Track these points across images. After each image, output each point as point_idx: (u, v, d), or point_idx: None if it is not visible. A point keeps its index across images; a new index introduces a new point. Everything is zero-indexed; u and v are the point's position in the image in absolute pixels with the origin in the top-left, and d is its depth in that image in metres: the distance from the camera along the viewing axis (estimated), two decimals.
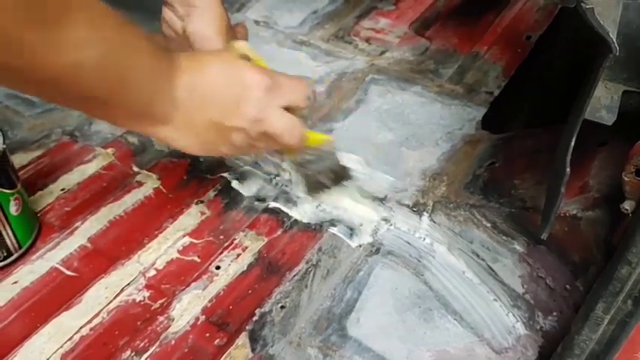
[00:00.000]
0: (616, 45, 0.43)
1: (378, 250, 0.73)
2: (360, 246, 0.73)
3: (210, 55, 0.67)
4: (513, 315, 0.67)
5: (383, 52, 0.97)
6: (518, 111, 0.86)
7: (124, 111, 0.54)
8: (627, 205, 0.47)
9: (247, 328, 0.64)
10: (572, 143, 0.50)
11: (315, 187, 0.74)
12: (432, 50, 0.98)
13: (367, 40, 1.00)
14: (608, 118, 0.49)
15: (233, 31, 0.90)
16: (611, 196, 0.56)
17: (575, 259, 0.59)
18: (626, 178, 0.47)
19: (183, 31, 0.85)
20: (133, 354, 0.61)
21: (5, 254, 0.67)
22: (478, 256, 0.69)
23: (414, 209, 0.74)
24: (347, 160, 0.75)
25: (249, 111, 0.60)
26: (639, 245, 0.46)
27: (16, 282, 0.66)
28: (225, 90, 0.60)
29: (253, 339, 0.63)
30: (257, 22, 1.01)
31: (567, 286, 0.60)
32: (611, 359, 0.56)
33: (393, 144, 0.80)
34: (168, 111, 0.57)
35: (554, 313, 0.63)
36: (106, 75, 0.49)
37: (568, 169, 0.48)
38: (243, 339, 0.63)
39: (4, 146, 0.64)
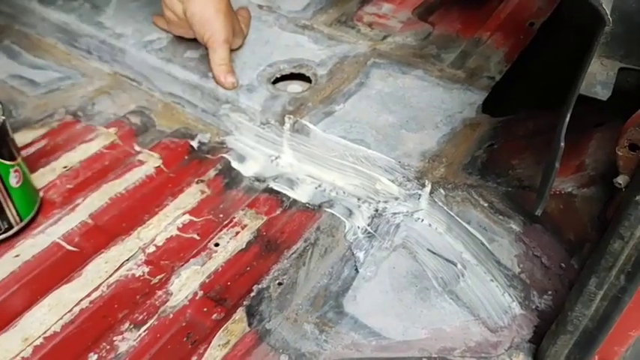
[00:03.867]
0: (609, 18, 0.43)
1: (375, 231, 0.73)
2: (359, 227, 0.74)
3: None
4: (509, 295, 0.67)
5: (385, 37, 0.97)
6: (519, 95, 0.86)
7: None
8: (620, 180, 0.48)
9: (245, 303, 0.64)
10: (568, 118, 0.50)
11: None
12: (434, 35, 0.98)
13: (370, 25, 1.00)
14: (602, 93, 0.49)
15: (235, 14, 0.90)
16: (607, 174, 0.56)
17: (570, 236, 0.59)
18: (619, 153, 0.47)
19: (183, 13, 0.86)
20: (132, 326, 0.62)
21: (6, 226, 0.68)
22: (475, 236, 0.70)
23: (413, 190, 0.74)
24: None
25: None
26: (631, 219, 0.46)
27: (17, 255, 0.67)
28: None
29: (250, 314, 0.64)
30: (260, 7, 1.01)
31: (562, 265, 0.60)
32: (604, 336, 0.56)
33: (393, 126, 0.80)
34: None
35: (550, 292, 0.63)
36: None
37: (562, 144, 0.49)
38: (240, 314, 0.63)
39: (4, 117, 0.65)
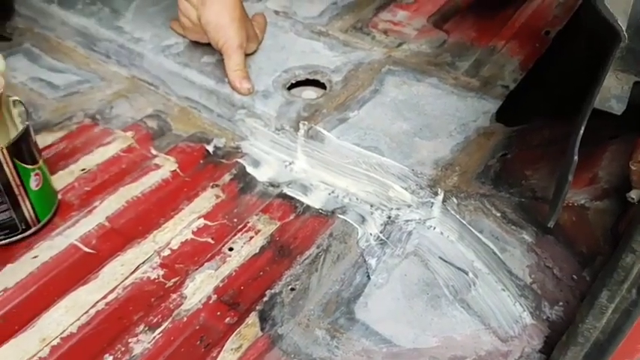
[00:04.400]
0: (624, 33, 0.43)
1: (388, 238, 0.74)
2: (371, 234, 0.75)
3: None
4: (520, 304, 0.67)
5: (400, 44, 0.97)
6: (533, 103, 0.86)
7: None
8: (633, 194, 0.48)
9: (257, 308, 0.65)
10: (581, 132, 0.50)
11: None
12: (449, 43, 0.98)
13: (385, 32, 1.00)
14: (617, 107, 0.49)
15: (249, 19, 0.91)
16: (620, 187, 0.56)
17: (583, 249, 0.59)
18: (633, 167, 0.48)
19: (198, 19, 0.87)
20: (147, 328, 0.63)
21: (24, 227, 0.69)
22: (487, 245, 0.70)
23: (425, 198, 0.75)
24: None
25: None
26: None
27: (36, 257, 0.69)
28: None
29: (263, 319, 0.65)
30: (276, 12, 1.02)
31: (574, 276, 0.60)
32: (614, 349, 0.57)
33: (407, 134, 0.81)
34: None
35: (561, 303, 0.63)
36: None
37: (576, 157, 0.49)
38: (253, 318, 0.64)
39: (28, 123, 0.67)
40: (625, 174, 0.54)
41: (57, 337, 0.61)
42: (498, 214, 0.67)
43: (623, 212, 0.53)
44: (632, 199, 0.48)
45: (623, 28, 0.44)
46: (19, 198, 0.67)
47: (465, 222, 0.72)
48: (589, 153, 0.63)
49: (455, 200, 0.72)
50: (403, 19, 1.03)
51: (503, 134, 0.79)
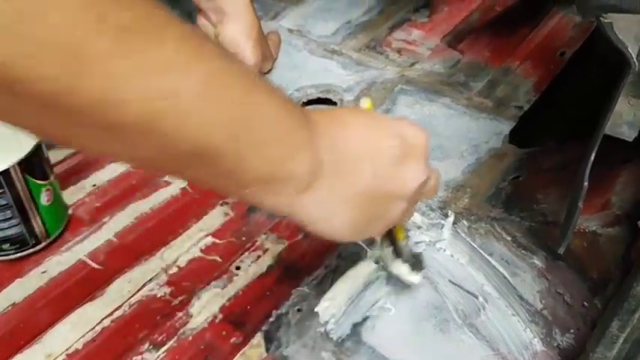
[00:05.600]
0: (635, 60, 0.43)
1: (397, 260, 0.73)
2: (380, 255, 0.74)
3: (345, 109, 0.61)
4: (531, 330, 0.66)
5: (413, 64, 0.97)
6: (547, 126, 0.85)
7: (242, 172, 0.38)
8: None
9: (263, 328, 0.65)
10: (592, 158, 0.50)
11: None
12: (462, 63, 0.98)
13: (399, 51, 1.00)
14: (629, 134, 0.49)
15: (265, 38, 0.92)
16: (633, 214, 0.55)
17: (594, 275, 0.58)
18: None
19: (215, 37, 0.88)
20: (151, 347, 0.63)
21: (34, 242, 0.70)
22: (497, 269, 0.69)
23: (436, 220, 0.74)
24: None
25: (417, 174, 0.47)
26: None
27: (44, 272, 0.69)
28: (378, 145, 0.45)
29: (268, 339, 0.64)
30: (290, 31, 1.03)
31: (585, 303, 0.59)
32: None
33: None
34: (308, 173, 0.41)
35: (572, 330, 0.62)
36: (216, 115, 0.34)
37: (586, 183, 0.48)
38: (258, 339, 0.64)
39: (39, 139, 0.67)
40: (638, 200, 0.53)
41: (62, 353, 0.61)
42: (509, 238, 0.66)
43: (634, 239, 0.52)
44: None
45: (634, 55, 0.43)
46: (30, 213, 0.68)
47: (475, 245, 0.71)
48: (602, 177, 0.62)
49: (465, 223, 0.72)
50: (417, 38, 1.03)
51: (515, 156, 0.78)
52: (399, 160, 0.45)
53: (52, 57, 0.26)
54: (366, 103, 0.56)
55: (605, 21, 0.43)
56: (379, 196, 0.45)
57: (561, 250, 0.52)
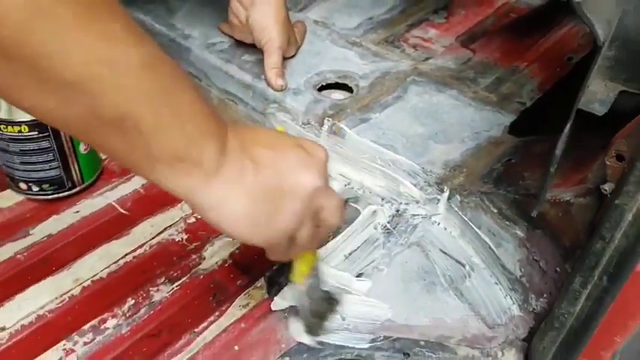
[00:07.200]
0: (601, 38, 0.49)
1: (394, 228, 0.80)
2: (379, 223, 0.81)
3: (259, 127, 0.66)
4: (511, 298, 0.72)
5: (427, 59, 1.04)
6: (545, 120, 0.91)
7: (157, 143, 0.41)
8: (607, 187, 0.53)
9: (267, 274, 0.72)
10: (567, 130, 0.56)
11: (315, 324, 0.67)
12: (473, 61, 1.05)
13: (414, 46, 1.07)
14: (599, 109, 0.55)
15: (292, 26, 1.00)
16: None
17: (566, 242, 0.64)
18: (608, 162, 0.53)
19: (246, 19, 0.96)
20: (167, 280, 0.70)
21: (70, 185, 0.78)
22: (485, 241, 0.75)
23: (432, 195, 0.80)
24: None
25: (314, 178, 0.50)
26: (612, 221, 0.51)
27: (77, 211, 0.78)
28: (282, 151, 0.50)
29: (270, 283, 0.71)
30: (316, 22, 1.11)
31: (557, 269, 0.65)
32: (589, 336, 0.61)
33: (422, 136, 0.87)
34: (215, 159, 0.45)
35: (545, 295, 0.68)
36: (144, 89, 0.40)
37: (558, 151, 0.54)
38: (261, 282, 0.71)
39: None
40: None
41: (88, 279, 0.69)
42: (495, 211, 0.73)
43: (600, 205, 0.58)
44: (606, 190, 0.53)
45: (602, 34, 0.50)
46: (69, 159, 0.76)
47: (466, 218, 0.77)
48: (581, 160, 0.68)
49: (458, 197, 0.78)
50: (433, 36, 1.10)
51: (512, 143, 0.85)
52: (299, 166, 0.49)
53: (15, 11, 0.32)
54: (278, 128, 0.61)
55: (576, 1, 0.49)
56: (276, 193, 0.48)
57: (534, 214, 0.58)
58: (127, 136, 0.40)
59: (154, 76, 0.40)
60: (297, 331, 0.66)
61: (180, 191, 0.45)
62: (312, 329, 0.66)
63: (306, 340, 0.66)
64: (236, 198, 0.46)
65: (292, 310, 0.68)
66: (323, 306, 0.66)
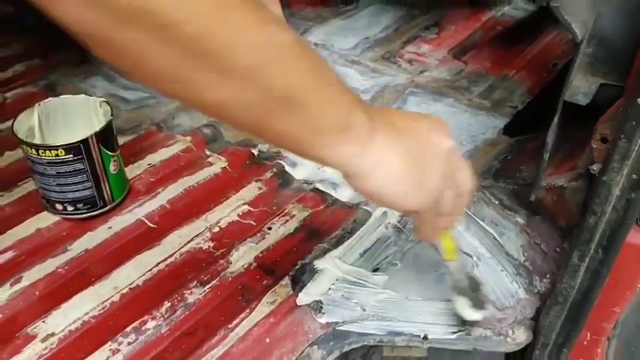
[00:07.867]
0: (578, 35, 0.56)
1: (404, 226, 0.86)
2: (389, 222, 0.87)
3: None
4: (516, 282, 0.78)
5: (422, 72, 1.12)
6: (536, 121, 0.98)
7: (322, 117, 0.44)
8: (595, 167, 0.59)
9: (290, 274, 0.78)
10: (555, 120, 0.63)
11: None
12: (466, 71, 1.12)
13: (410, 61, 1.15)
14: (583, 100, 0.62)
15: None
16: None
17: (562, 223, 0.70)
18: (594, 145, 0.60)
19: None
20: (198, 284, 0.76)
21: (102, 204, 0.84)
22: (488, 232, 0.81)
23: None
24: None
25: (447, 139, 0.56)
26: (602, 197, 0.58)
27: (110, 227, 0.83)
28: (414, 120, 0.55)
29: (294, 282, 0.77)
30: (316, 44, 1.19)
31: (557, 249, 0.71)
32: (590, 308, 0.67)
33: None
34: (368, 126, 0.48)
35: (548, 276, 0.74)
36: (304, 67, 0.42)
37: (549, 140, 0.61)
38: (286, 281, 0.77)
39: (112, 117, 0.83)
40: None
41: (126, 287, 0.75)
42: (496, 202, 0.79)
43: (591, 186, 0.65)
44: (594, 170, 0.59)
45: (579, 33, 0.57)
46: (101, 179, 0.83)
47: (470, 213, 0.83)
48: (572, 150, 0.75)
49: None
50: (426, 51, 1.18)
51: (507, 143, 0.91)
52: (432, 129, 0.54)
53: (195, 5, 0.35)
54: None
55: (554, 5, 0.56)
56: (420, 155, 0.52)
57: (532, 198, 0.64)
58: (295, 113, 0.42)
59: (306, 54, 0.43)
60: (463, 307, 0.70)
61: (342, 161, 0.47)
62: (476, 303, 0.71)
63: (475, 315, 0.70)
64: (389, 162, 0.49)
65: (453, 289, 0.72)
66: (473, 280, 0.72)
